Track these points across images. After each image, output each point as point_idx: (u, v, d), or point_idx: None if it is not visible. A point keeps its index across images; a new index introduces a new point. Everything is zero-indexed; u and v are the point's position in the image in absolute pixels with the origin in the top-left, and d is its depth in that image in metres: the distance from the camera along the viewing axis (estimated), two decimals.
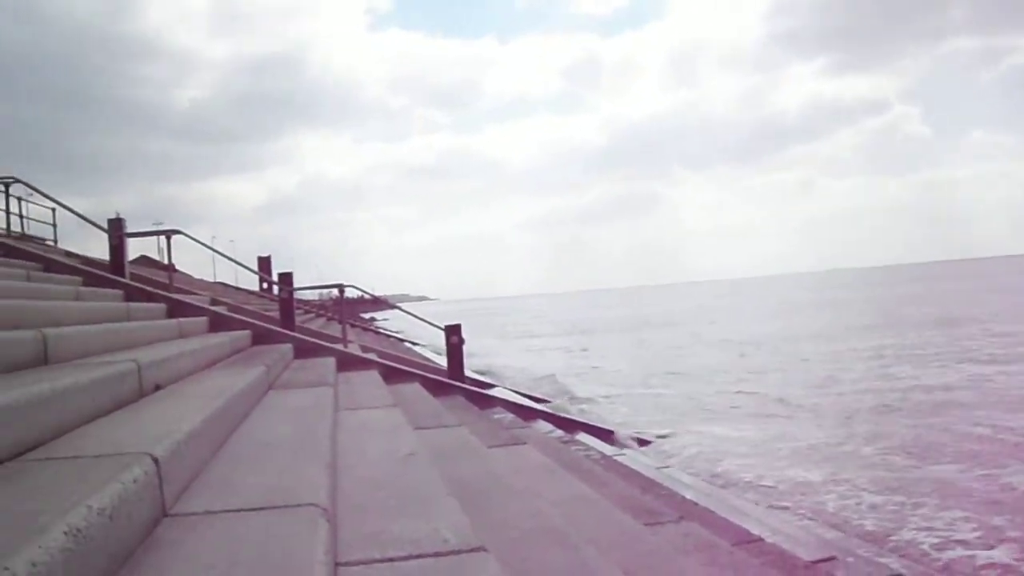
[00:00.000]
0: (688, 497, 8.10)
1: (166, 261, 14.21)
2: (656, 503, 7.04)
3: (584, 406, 16.93)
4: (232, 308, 14.16)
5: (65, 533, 2.10)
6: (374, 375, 10.74)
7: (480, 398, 12.76)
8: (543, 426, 11.82)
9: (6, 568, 1.81)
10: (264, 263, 28.14)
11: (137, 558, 2.57)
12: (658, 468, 10.21)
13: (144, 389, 5.02)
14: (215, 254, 16.79)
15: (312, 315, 27.01)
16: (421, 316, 17.96)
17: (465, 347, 14.71)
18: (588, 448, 10.48)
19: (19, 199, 17.08)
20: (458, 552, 3.09)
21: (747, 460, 11.86)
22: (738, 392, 19.93)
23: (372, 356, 13.43)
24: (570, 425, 12.47)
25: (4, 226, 16.11)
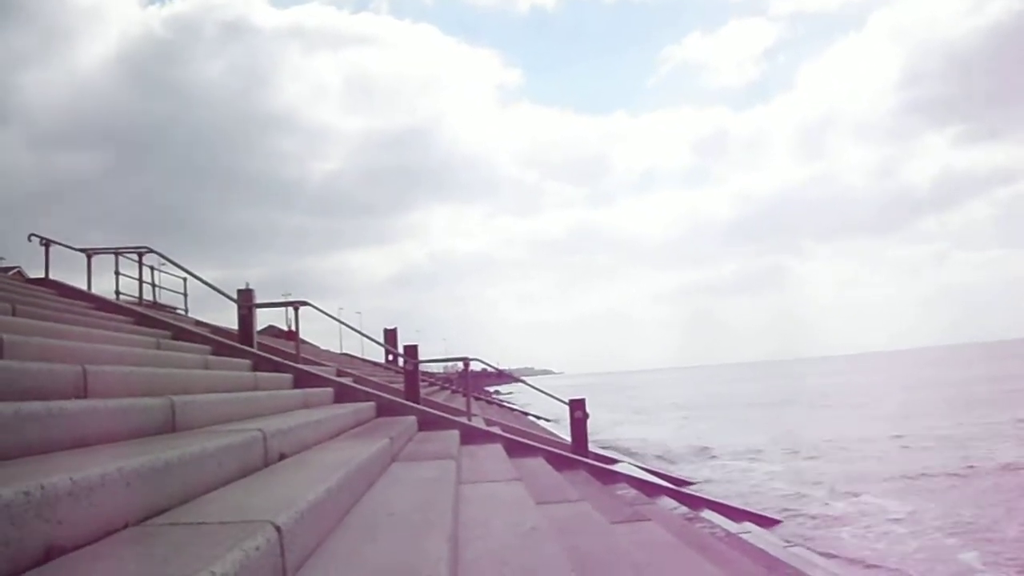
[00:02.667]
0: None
1: (294, 331, 14.45)
2: None
3: (709, 484, 16.62)
4: (357, 379, 14.30)
5: None
6: (497, 448, 10.68)
7: (603, 473, 12.58)
8: (667, 503, 11.59)
9: None
10: (390, 335, 28.45)
11: None
12: (784, 547, 9.93)
13: (269, 458, 5.05)
14: (342, 326, 17.03)
15: (437, 387, 27.17)
16: (545, 390, 17.87)
17: (589, 421, 14.58)
18: (713, 525, 10.23)
19: (152, 268, 17.62)
20: None
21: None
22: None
23: (496, 429, 13.39)
24: (695, 502, 12.21)
25: (137, 295, 16.61)
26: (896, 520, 13.56)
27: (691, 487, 15.29)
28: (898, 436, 25.93)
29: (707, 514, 11.36)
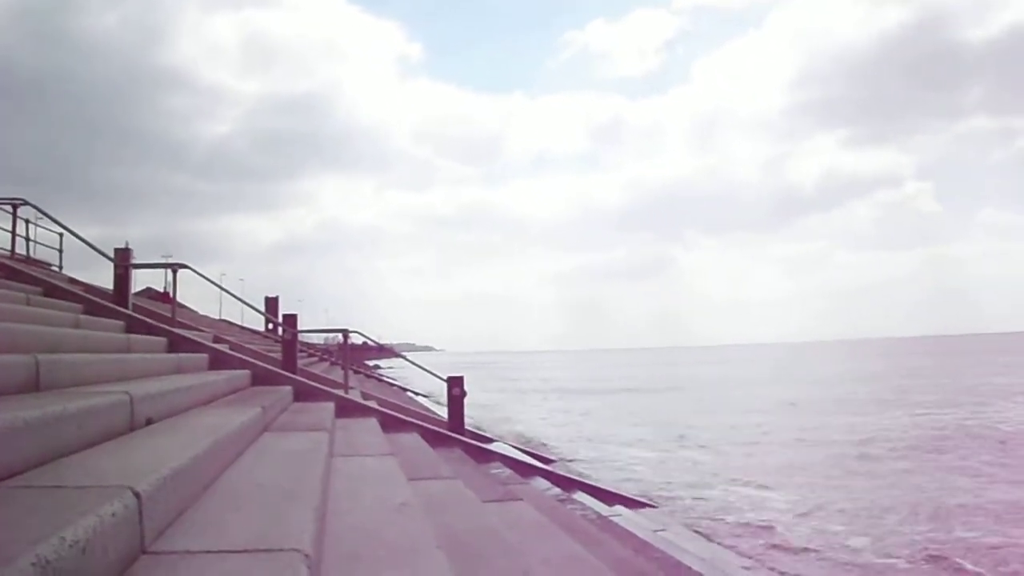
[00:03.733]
0: (683, 561, 7.98)
1: (171, 294, 14.16)
2: (649, 566, 6.93)
3: (585, 466, 16.81)
4: (234, 347, 14.10)
5: (33, 564, 2.02)
6: (373, 423, 10.65)
7: (479, 452, 12.63)
8: (541, 483, 11.69)
9: None
10: (272, 303, 28.08)
11: None
12: (654, 531, 10.09)
13: (135, 422, 4.94)
14: (222, 291, 16.75)
15: (316, 359, 26.96)
16: (424, 366, 17.85)
17: (468, 400, 14.62)
18: (584, 507, 10.35)
19: (27, 222, 17.02)
20: None
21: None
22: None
23: (372, 404, 13.34)
24: (568, 483, 12.33)
25: (9, 248, 16.04)
26: (778, 508, 13.89)
27: (565, 464, 15.47)
28: (776, 430, 26.59)
29: (580, 496, 11.49)
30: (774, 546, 11.15)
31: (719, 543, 11.08)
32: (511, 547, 5.51)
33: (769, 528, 12.42)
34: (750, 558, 10.39)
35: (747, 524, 12.69)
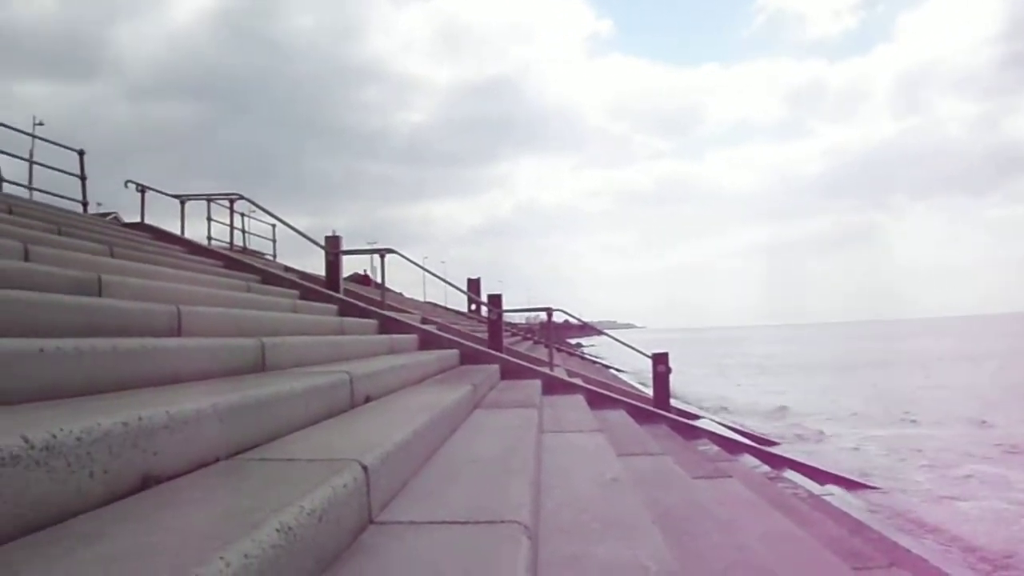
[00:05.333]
0: (900, 543, 7.71)
1: (379, 279, 14.59)
2: (865, 547, 6.73)
3: (803, 446, 16.38)
4: (441, 327, 14.41)
5: (277, 530, 2.14)
6: (579, 399, 10.71)
7: (685, 428, 12.54)
8: (749, 460, 11.52)
9: (222, 558, 1.86)
10: (474, 285, 28.64)
11: (343, 561, 2.61)
12: (870, 512, 9.78)
13: (355, 400, 5.14)
14: (426, 274, 17.15)
15: (519, 338, 27.28)
16: (627, 343, 17.80)
17: (672, 377, 14.52)
18: (795, 486, 10.14)
19: (242, 215, 17.96)
20: None
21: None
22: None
23: (577, 381, 13.42)
24: (777, 461, 12.11)
25: (228, 240, 16.93)
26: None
27: (775, 447, 15.14)
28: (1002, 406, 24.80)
29: (790, 474, 11.26)
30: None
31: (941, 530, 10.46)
32: (723, 523, 5.46)
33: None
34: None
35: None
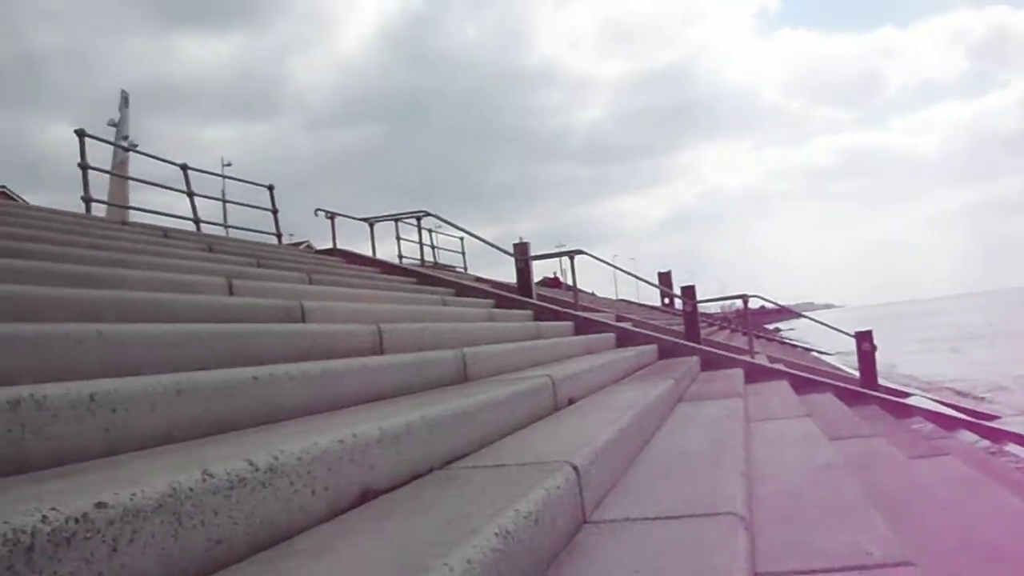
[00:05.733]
0: None
1: (570, 281, 14.65)
2: None
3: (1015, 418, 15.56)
4: (637, 323, 14.37)
5: (496, 534, 2.17)
6: (783, 385, 10.48)
7: (896, 407, 12.09)
8: (967, 436, 11.01)
9: (445, 564, 1.89)
10: (665, 278, 28.42)
11: (560, 561, 2.61)
12: None
13: (559, 402, 5.17)
14: (616, 271, 17.14)
15: (715, 328, 26.93)
16: (827, 323, 17.34)
17: (876, 354, 14.05)
18: (1019, 460, 9.63)
19: (430, 231, 18.38)
20: (883, 566, 2.89)
21: None
22: None
23: (779, 366, 13.13)
24: (997, 435, 11.55)
25: (418, 256, 17.35)
26: None
27: (994, 421, 14.44)
28: None
29: (1012, 448, 10.72)
30: None
31: None
32: (944, 503, 5.24)
33: None
34: None
35: None
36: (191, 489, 1.91)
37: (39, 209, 9.78)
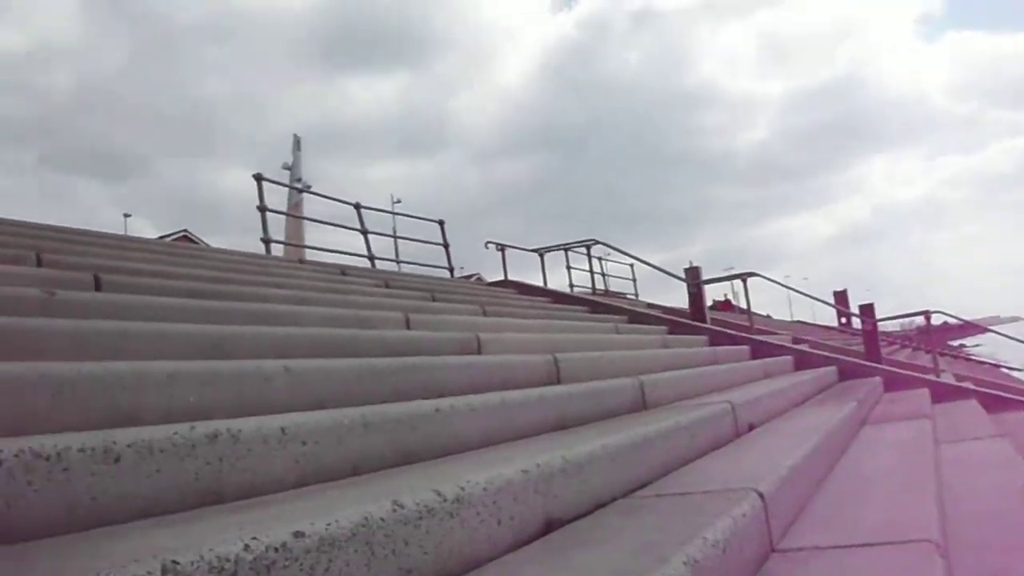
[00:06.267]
0: None
1: (743, 304, 14.46)
2: None
3: None
4: (814, 345, 14.05)
5: (684, 563, 2.14)
6: (973, 405, 10.05)
7: None
8: None
9: None
10: (840, 297, 27.76)
11: None
12: None
13: (739, 429, 5.09)
14: (790, 292, 16.81)
15: (896, 346, 26.11)
16: (1017, 338, 16.57)
17: None
18: None
19: (599, 259, 18.41)
20: None
21: None
22: None
23: (967, 384, 12.62)
24: None
25: (589, 285, 17.39)
26: None
27: None
28: None
29: None
30: None
31: None
32: None
33: None
34: None
35: None
36: (382, 519, 1.95)
37: (222, 251, 10.22)
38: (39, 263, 5.28)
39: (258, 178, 11.48)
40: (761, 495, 2.98)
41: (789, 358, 11.08)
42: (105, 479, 2.00)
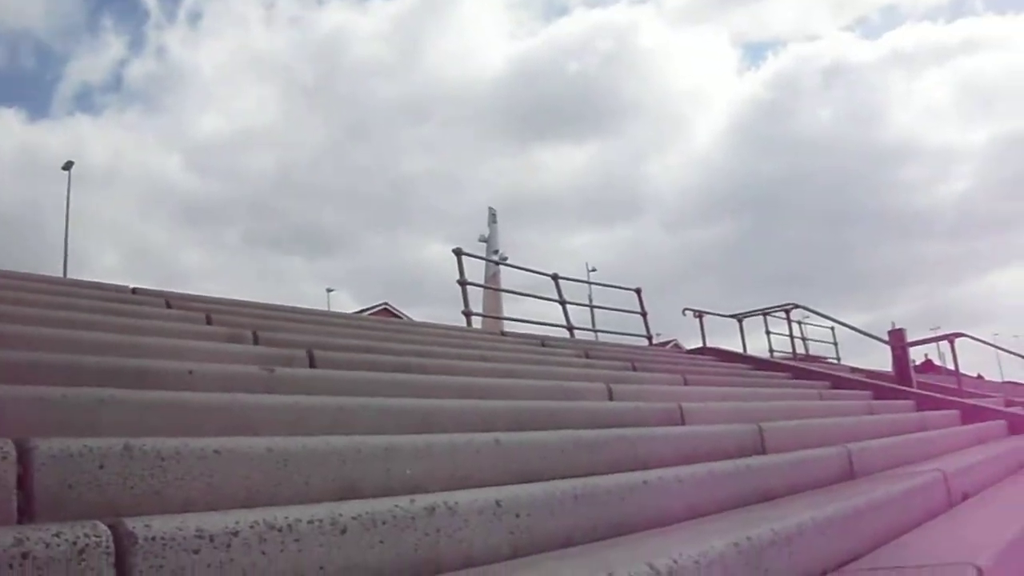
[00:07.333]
0: None
1: (949, 365, 13.97)
2: None
3: None
4: None
5: None
6: None
7: None
8: None
9: None
10: None
11: None
12: None
13: (952, 498, 4.96)
14: (1000, 352, 16.16)
15: None
16: None
17: None
18: None
19: (799, 323, 18.13)
20: None
21: None
22: None
23: None
24: None
25: (790, 349, 17.12)
26: None
27: None
28: None
29: None
30: None
31: None
32: None
33: None
34: None
35: None
36: None
37: (426, 324, 10.55)
38: (255, 341, 5.60)
39: (458, 252, 11.83)
40: (979, 569, 2.93)
41: (1002, 422, 10.62)
42: (332, 550, 2.11)
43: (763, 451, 5.37)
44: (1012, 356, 17.88)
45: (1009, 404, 13.27)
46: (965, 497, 5.19)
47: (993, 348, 14.93)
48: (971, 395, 12.73)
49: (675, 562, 2.38)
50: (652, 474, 3.61)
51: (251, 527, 1.94)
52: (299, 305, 9.11)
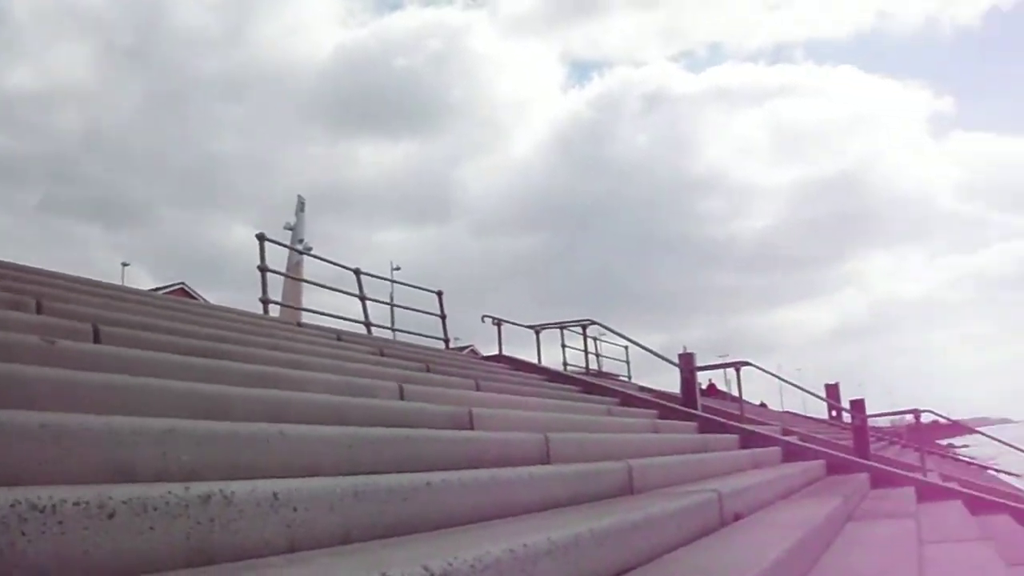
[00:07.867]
0: None
1: (734, 392, 14.49)
2: None
3: None
4: (803, 437, 14.07)
5: None
6: (957, 506, 10.06)
7: None
8: None
9: None
10: (832, 390, 27.67)
11: None
12: None
13: (724, 518, 5.11)
14: (782, 383, 16.88)
15: (885, 443, 26.04)
16: (1004, 440, 16.61)
17: None
18: None
19: (594, 339, 18.52)
20: None
21: None
22: None
23: (953, 485, 12.62)
24: None
25: (583, 364, 17.46)
26: None
27: None
28: None
29: None
30: None
31: None
32: None
33: None
34: None
35: None
36: None
37: (222, 308, 10.27)
38: (39, 310, 5.33)
39: (260, 238, 11.59)
40: None
41: (778, 449, 11.10)
42: (99, 534, 2.01)
43: (548, 461, 5.42)
44: (792, 387, 18.69)
45: (786, 433, 13.89)
46: (737, 518, 5.36)
47: (776, 379, 15.55)
48: (752, 421, 13.24)
49: (450, 565, 2.34)
50: (436, 476, 3.57)
51: (11, 506, 1.82)
52: (91, 277, 8.72)
